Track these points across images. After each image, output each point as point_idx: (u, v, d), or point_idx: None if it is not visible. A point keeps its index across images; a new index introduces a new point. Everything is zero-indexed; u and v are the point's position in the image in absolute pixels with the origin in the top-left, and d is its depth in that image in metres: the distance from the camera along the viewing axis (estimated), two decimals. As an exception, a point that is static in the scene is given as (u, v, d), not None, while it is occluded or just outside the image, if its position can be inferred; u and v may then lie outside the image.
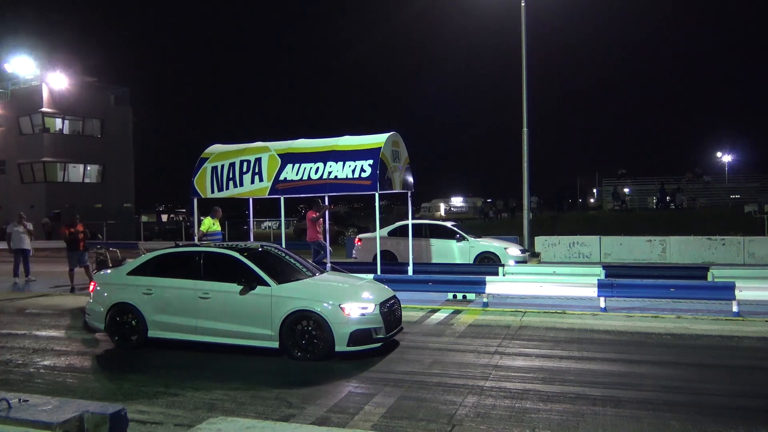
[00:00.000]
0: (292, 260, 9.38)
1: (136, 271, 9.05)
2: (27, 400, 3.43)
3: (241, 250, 8.78)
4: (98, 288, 9.30)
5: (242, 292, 8.18)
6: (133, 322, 8.79)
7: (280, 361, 8.01)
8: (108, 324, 8.95)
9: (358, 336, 7.88)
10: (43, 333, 10.28)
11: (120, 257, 16.08)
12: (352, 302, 8.03)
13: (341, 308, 7.89)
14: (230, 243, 9.80)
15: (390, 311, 8.39)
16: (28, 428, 3.11)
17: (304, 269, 9.20)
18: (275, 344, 8.04)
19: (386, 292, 8.84)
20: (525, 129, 20.89)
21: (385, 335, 8.18)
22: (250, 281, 8.21)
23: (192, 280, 8.55)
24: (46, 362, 8.31)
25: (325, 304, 7.94)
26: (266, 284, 8.19)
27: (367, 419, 5.79)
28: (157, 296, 8.69)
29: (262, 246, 9.53)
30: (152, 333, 8.70)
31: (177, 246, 10.37)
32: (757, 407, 6.01)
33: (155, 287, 8.73)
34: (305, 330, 7.92)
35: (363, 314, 7.96)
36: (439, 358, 8.08)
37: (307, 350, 7.90)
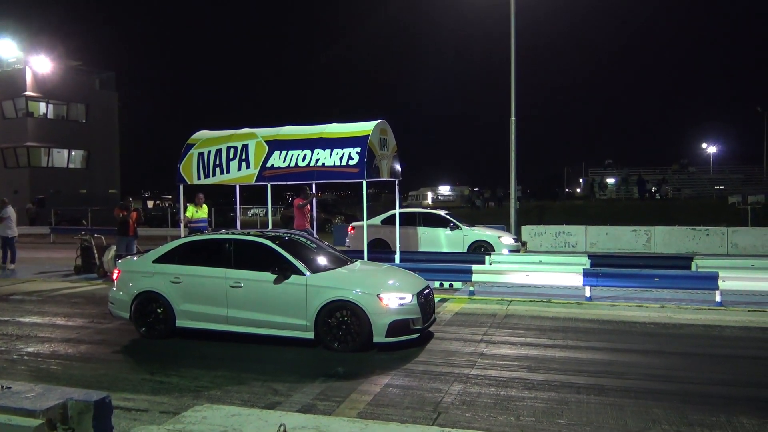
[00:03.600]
0: (321, 249, 9.20)
1: (163, 259, 8.74)
2: (10, 387, 3.39)
3: (272, 238, 8.55)
4: (122, 276, 8.93)
5: (276, 281, 7.96)
6: (159, 311, 8.51)
7: (266, 349, 8.00)
8: (133, 313, 8.62)
9: (397, 326, 7.71)
10: (27, 319, 10.18)
11: (105, 243, 16.00)
12: (389, 292, 7.85)
13: (379, 298, 7.72)
14: (256, 231, 9.42)
15: (426, 301, 8.22)
16: (10, 415, 3.07)
17: (335, 258, 9.01)
18: (310, 335, 7.85)
19: (420, 281, 8.66)
20: (513, 118, 20.89)
21: (422, 326, 8.05)
22: (284, 270, 7.98)
23: (222, 269, 8.28)
24: (29, 349, 8.24)
25: (363, 294, 7.76)
26: (301, 273, 7.97)
27: (353, 407, 5.80)
28: (186, 285, 8.41)
29: (288, 234, 9.37)
30: (180, 323, 8.44)
31: (205, 233, 10.19)
32: (739, 395, 6.09)
33: (184, 275, 8.45)
34: (342, 320, 7.72)
35: (401, 304, 7.79)
36: (425, 346, 8.11)
37: (345, 341, 7.70)
